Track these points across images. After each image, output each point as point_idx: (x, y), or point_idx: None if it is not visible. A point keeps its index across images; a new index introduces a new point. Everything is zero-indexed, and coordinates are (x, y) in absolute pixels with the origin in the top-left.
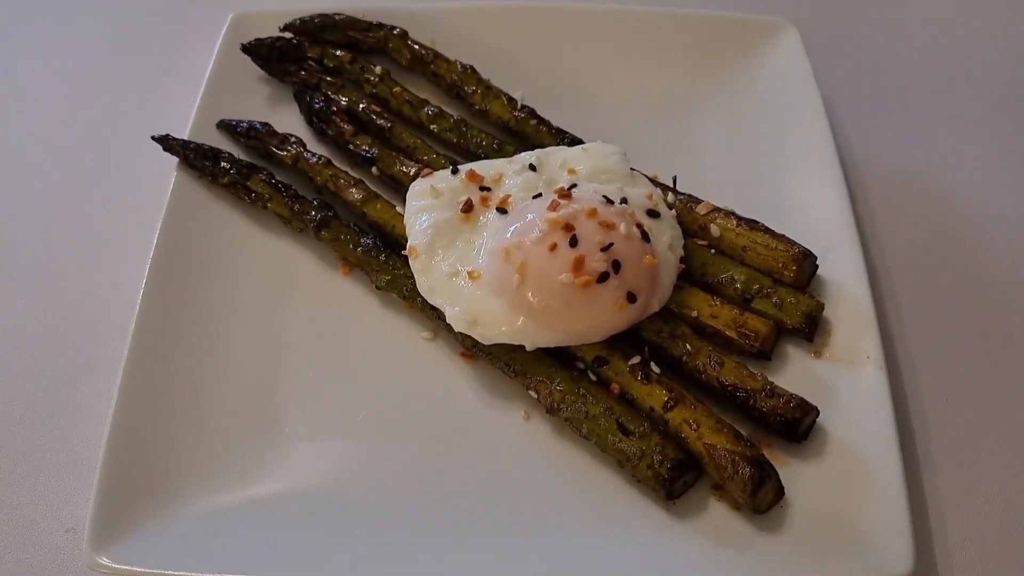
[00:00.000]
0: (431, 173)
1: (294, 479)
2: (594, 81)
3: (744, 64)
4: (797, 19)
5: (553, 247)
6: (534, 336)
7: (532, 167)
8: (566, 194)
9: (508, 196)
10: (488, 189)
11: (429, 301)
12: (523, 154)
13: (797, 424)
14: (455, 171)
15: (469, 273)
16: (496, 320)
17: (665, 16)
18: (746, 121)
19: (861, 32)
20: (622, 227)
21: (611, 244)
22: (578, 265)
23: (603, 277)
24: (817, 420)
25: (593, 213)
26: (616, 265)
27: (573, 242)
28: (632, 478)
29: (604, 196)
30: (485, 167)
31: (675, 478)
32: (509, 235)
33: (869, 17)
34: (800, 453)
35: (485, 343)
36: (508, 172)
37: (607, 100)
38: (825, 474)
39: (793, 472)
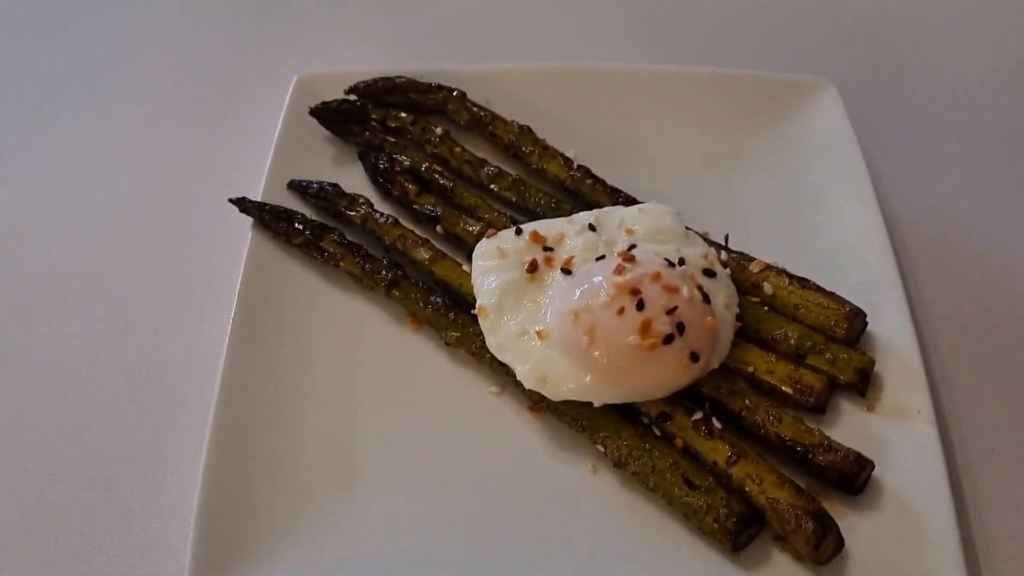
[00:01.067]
0: (495, 233)
1: (369, 535)
2: (643, 139)
3: (785, 122)
4: (837, 77)
5: (621, 311)
6: (601, 393)
7: (592, 227)
8: (630, 258)
9: (572, 257)
10: (551, 249)
11: (499, 358)
12: (582, 214)
13: (854, 478)
14: (519, 232)
15: (538, 332)
16: (564, 377)
17: (709, 76)
18: (790, 178)
19: (900, 88)
20: (685, 290)
21: (675, 307)
22: (645, 328)
23: (669, 339)
24: (872, 473)
25: (657, 277)
26: (681, 327)
27: (640, 306)
28: (698, 530)
29: (666, 259)
30: (547, 227)
31: (740, 531)
32: (577, 298)
33: (908, 73)
34: (856, 505)
35: (554, 399)
36: (569, 232)
37: (656, 158)
38: (881, 526)
39: (851, 524)
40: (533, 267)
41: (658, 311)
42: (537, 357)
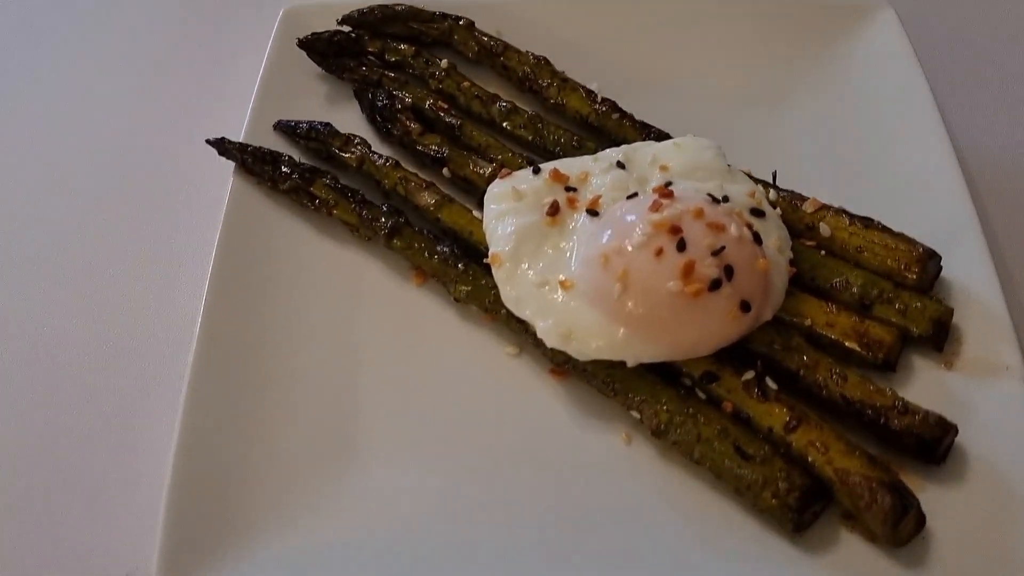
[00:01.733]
0: (510, 173)
1: (371, 515)
2: (677, 70)
3: (838, 48)
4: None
5: (659, 252)
6: (636, 350)
7: (620, 165)
8: (668, 193)
9: (599, 197)
10: (574, 189)
11: (516, 313)
12: (608, 151)
13: (936, 445)
14: (537, 171)
15: (561, 282)
16: (593, 333)
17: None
18: (844, 109)
19: (961, 9)
20: (732, 228)
21: (723, 247)
22: (687, 271)
23: (715, 284)
24: (955, 439)
25: (700, 213)
26: (729, 270)
27: (681, 246)
28: (752, 507)
29: (709, 195)
30: (569, 166)
31: (804, 507)
32: (607, 239)
33: None
34: (937, 477)
35: (581, 359)
36: (594, 171)
37: (691, 90)
38: (968, 500)
39: (932, 499)
40: (554, 209)
41: (702, 252)
42: (561, 311)
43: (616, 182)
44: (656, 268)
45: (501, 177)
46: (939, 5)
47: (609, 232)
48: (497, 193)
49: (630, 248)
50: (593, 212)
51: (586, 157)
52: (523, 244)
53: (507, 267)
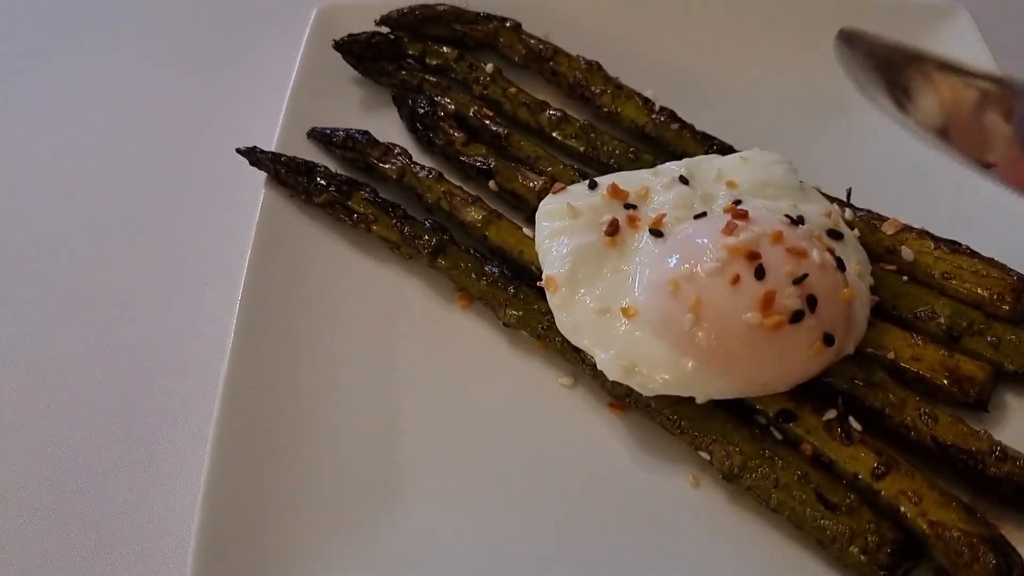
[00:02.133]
0: (564, 188)
1: (413, 562)
2: (738, 76)
3: None
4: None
5: (736, 280)
6: (707, 386)
7: (683, 180)
8: (741, 213)
9: (662, 215)
10: (634, 207)
11: (573, 342)
12: (669, 164)
13: None
14: (593, 186)
15: (623, 310)
16: (659, 366)
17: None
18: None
19: None
20: (815, 254)
21: (805, 275)
22: (767, 302)
23: (797, 316)
24: None
25: (779, 237)
26: (812, 301)
27: (759, 273)
28: (836, 563)
29: (786, 215)
30: (627, 180)
31: (896, 564)
32: (675, 263)
33: None
34: None
35: (645, 393)
36: (655, 186)
37: (753, 99)
38: None
39: None
40: (614, 228)
41: (783, 280)
42: (623, 340)
43: (680, 199)
44: (732, 298)
45: (554, 192)
46: (1017, 6)
47: (678, 256)
48: (550, 210)
49: (702, 274)
50: (657, 232)
51: (645, 171)
52: (580, 266)
53: (563, 291)
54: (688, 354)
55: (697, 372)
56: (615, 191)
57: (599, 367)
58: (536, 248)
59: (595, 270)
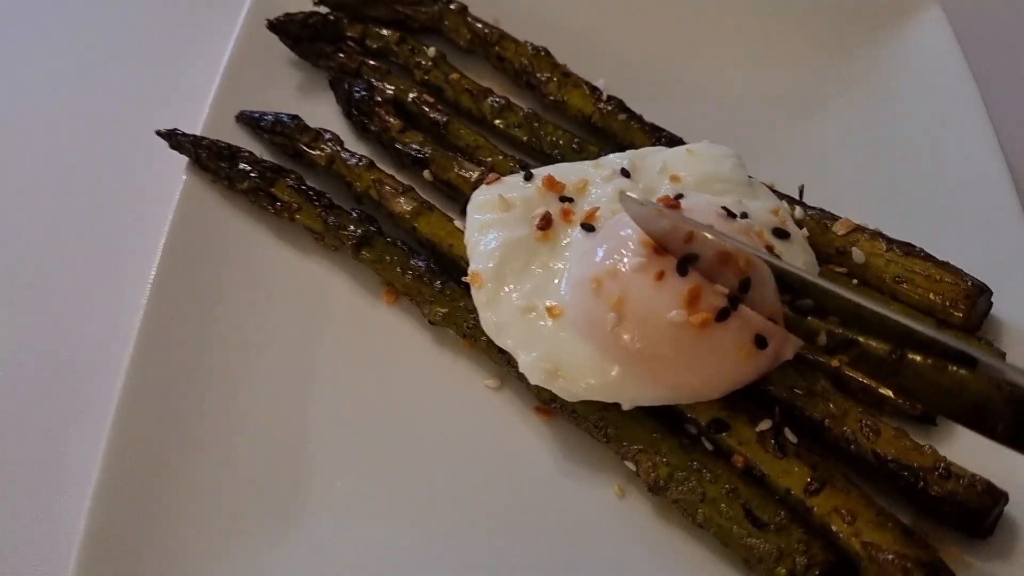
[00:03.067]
0: (498, 179)
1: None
2: (695, 67)
3: (877, 49)
4: None
5: (660, 276)
6: (634, 391)
7: (624, 172)
8: (674, 205)
9: (596, 209)
10: (570, 200)
11: (496, 342)
12: (611, 156)
13: (983, 515)
14: (529, 177)
15: (548, 308)
16: (584, 370)
17: None
18: (884, 118)
19: (1013, 7)
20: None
21: (734, 272)
22: (693, 299)
23: (723, 314)
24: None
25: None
26: (737, 300)
27: (683, 269)
28: None
29: (724, 208)
30: (566, 172)
31: None
32: (600, 259)
33: None
34: (984, 553)
35: (569, 399)
36: (594, 179)
37: (710, 91)
38: None
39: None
40: (546, 222)
41: (718, 265)
42: (548, 342)
43: (619, 192)
44: (656, 295)
45: (488, 183)
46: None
47: (602, 251)
48: (482, 201)
49: (625, 271)
50: (589, 227)
51: (586, 163)
52: (508, 262)
53: (489, 288)
54: (613, 357)
55: (623, 377)
56: (551, 183)
57: (521, 370)
58: (465, 241)
59: (524, 266)
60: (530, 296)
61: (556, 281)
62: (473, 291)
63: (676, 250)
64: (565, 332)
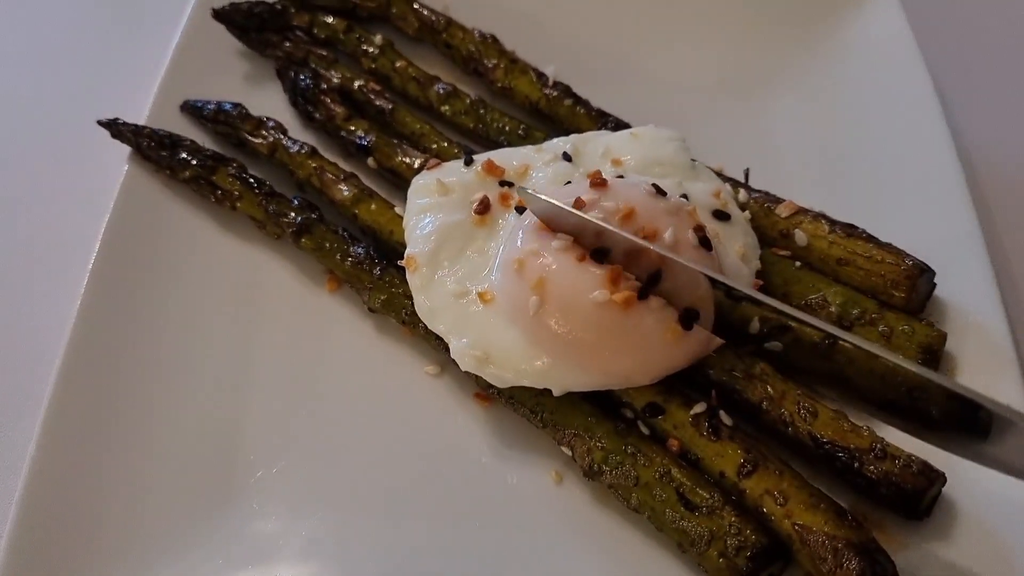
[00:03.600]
0: (439, 164)
1: (256, 566)
2: (642, 53)
3: (828, 31)
4: None
5: (582, 257)
6: (563, 377)
7: (567, 156)
8: (600, 183)
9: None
10: (510, 184)
11: (429, 327)
12: (555, 140)
13: (919, 496)
14: (469, 162)
15: (480, 294)
16: (513, 356)
17: None
18: (832, 101)
19: None
20: (669, 229)
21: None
22: (615, 278)
23: (644, 292)
24: (943, 490)
25: (631, 212)
26: (656, 276)
27: (603, 250)
28: (698, 567)
29: (653, 185)
30: (507, 157)
31: (757, 570)
32: (521, 241)
33: None
34: (921, 533)
35: (500, 386)
36: (536, 163)
37: (658, 76)
38: (956, 560)
39: (914, 558)
40: (483, 207)
41: (632, 256)
42: (479, 327)
43: (559, 176)
44: (577, 275)
45: (429, 168)
46: None
47: (523, 232)
48: (421, 186)
49: (546, 252)
50: (522, 209)
51: (528, 147)
52: (444, 246)
53: (423, 272)
54: (539, 342)
55: (551, 362)
56: (490, 167)
57: (452, 355)
58: (404, 225)
59: (460, 251)
60: (464, 281)
61: (489, 265)
62: (408, 275)
63: (588, 244)
64: (495, 318)
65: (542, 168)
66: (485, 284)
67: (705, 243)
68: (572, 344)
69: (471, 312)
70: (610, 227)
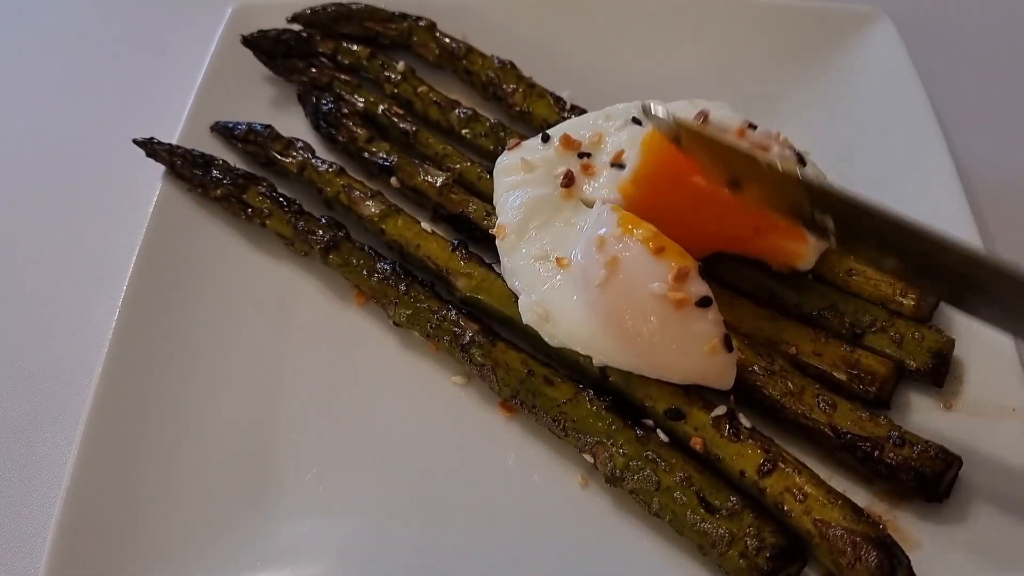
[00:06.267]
0: (519, 144)
1: (292, 568)
2: (655, 78)
3: (829, 59)
4: (886, 5)
5: (660, 251)
6: (607, 350)
7: (636, 121)
8: (704, 118)
9: (621, 151)
10: (588, 155)
11: (508, 283)
12: (619, 106)
13: (938, 479)
14: (546, 139)
15: (558, 259)
16: (570, 320)
17: (738, 5)
18: (836, 125)
19: (960, 21)
20: (774, 149)
21: None
22: (680, 277)
23: (705, 301)
24: (958, 478)
25: (741, 134)
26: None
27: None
28: (719, 568)
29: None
30: (578, 128)
31: (776, 570)
32: (608, 225)
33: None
34: (940, 516)
35: (551, 343)
36: (609, 130)
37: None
38: (974, 542)
39: (934, 539)
40: (569, 180)
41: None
42: (547, 288)
43: (633, 139)
44: (647, 264)
45: (510, 149)
46: (940, 14)
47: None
48: (506, 165)
49: (627, 238)
50: (619, 165)
51: (595, 115)
52: (533, 216)
53: (511, 238)
54: (595, 313)
55: (600, 334)
56: (567, 142)
57: (519, 308)
58: (495, 202)
59: (547, 221)
60: (547, 247)
61: (574, 234)
62: (497, 242)
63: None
64: (565, 283)
65: (615, 134)
66: (566, 251)
67: (801, 159)
68: (621, 323)
69: (546, 275)
70: (737, 143)
